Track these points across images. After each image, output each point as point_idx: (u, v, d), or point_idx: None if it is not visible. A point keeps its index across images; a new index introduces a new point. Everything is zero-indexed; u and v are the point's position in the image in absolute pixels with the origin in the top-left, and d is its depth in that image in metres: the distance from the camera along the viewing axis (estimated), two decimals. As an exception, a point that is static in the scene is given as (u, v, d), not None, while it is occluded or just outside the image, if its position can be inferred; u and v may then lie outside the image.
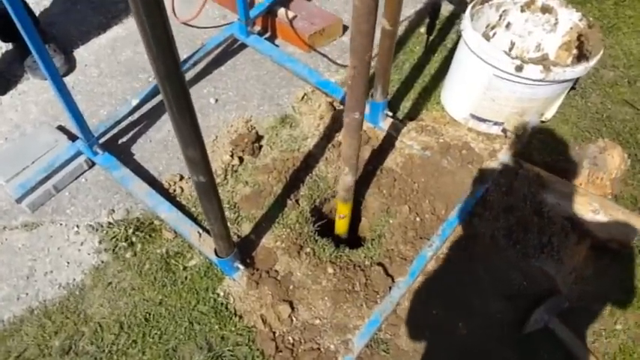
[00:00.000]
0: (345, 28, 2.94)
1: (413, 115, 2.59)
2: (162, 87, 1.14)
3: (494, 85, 2.28)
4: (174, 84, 1.12)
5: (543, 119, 2.54)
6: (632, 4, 3.23)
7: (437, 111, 2.60)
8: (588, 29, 2.37)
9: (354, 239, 2.30)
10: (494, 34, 2.59)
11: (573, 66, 2.16)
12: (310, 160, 2.34)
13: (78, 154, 2.23)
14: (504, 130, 2.41)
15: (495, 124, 2.47)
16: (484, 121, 2.48)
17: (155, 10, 0.94)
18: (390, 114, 2.36)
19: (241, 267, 1.93)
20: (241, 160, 2.34)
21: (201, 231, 2.04)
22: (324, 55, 2.80)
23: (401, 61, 2.82)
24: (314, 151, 2.37)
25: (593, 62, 2.19)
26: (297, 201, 2.21)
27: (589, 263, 2.19)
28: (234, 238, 2.08)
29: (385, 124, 2.37)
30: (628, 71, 2.91)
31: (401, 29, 2.98)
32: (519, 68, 2.14)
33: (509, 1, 2.45)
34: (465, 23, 2.27)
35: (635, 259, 2.21)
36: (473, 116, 2.49)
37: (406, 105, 2.62)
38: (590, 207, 2.13)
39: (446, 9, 3.10)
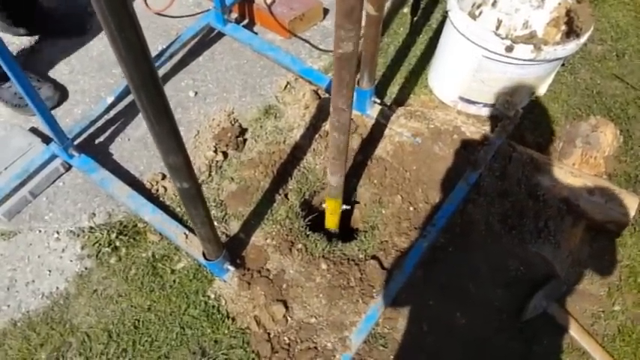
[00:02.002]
0: (326, 11, 2.84)
1: (401, 100, 2.51)
2: (137, 94, 1.05)
3: (483, 67, 2.21)
4: (149, 91, 1.03)
5: (534, 98, 2.48)
6: (617, -25, 3.16)
7: (425, 95, 2.53)
8: (577, 4, 2.30)
9: (347, 231, 2.23)
10: (480, 12, 2.51)
11: (564, 44, 2.09)
12: (297, 152, 2.27)
13: (53, 157, 2.12)
14: (495, 112, 2.34)
15: (485, 105, 2.41)
16: (474, 103, 2.41)
17: (122, 10, 0.85)
18: (378, 101, 2.28)
19: (231, 268, 1.86)
20: (225, 155, 2.26)
21: (187, 232, 1.96)
22: (306, 41, 2.70)
23: (386, 44, 2.73)
24: (301, 142, 2.29)
25: (584, 38, 2.13)
26: (285, 195, 2.13)
27: (585, 245, 2.16)
28: (223, 238, 2.00)
29: (373, 111, 2.29)
30: (616, 44, 2.86)
31: (384, 11, 2.88)
32: (510, 49, 2.07)
33: (495, -22, 2.36)
34: (452, 3, 2.19)
35: (631, 239, 2.17)
36: (462, 99, 2.42)
37: (393, 90, 2.54)
38: (586, 188, 2.08)
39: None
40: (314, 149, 2.27)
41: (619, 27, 2.94)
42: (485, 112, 2.43)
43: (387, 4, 2.92)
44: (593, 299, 2.07)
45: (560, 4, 2.37)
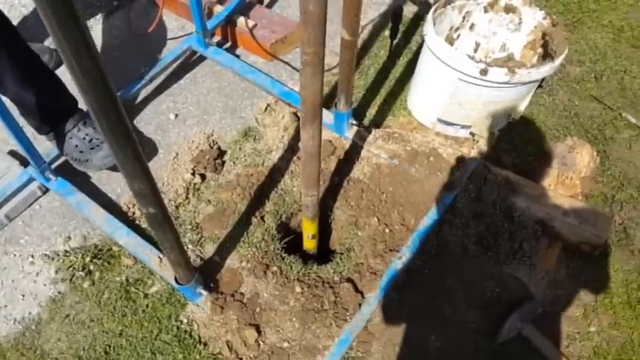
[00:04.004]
0: (308, 34, 2.87)
1: (379, 121, 2.53)
2: (99, 122, 1.06)
3: (459, 90, 2.24)
4: (110, 119, 1.04)
5: (511, 120, 2.50)
6: (595, -3, 3.21)
7: (404, 116, 2.55)
8: (552, 27, 2.34)
9: (325, 252, 2.23)
10: (458, 35, 2.55)
11: (538, 67, 2.12)
12: (275, 174, 2.27)
13: (30, 180, 2.13)
14: (472, 134, 2.36)
15: (463, 127, 2.43)
16: (451, 125, 2.43)
17: (80, 41, 0.86)
18: (355, 123, 2.29)
19: (204, 292, 1.85)
20: (204, 177, 2.26)
21: (161, 256, 1.96)
22: (287, 64, 2.73)
23: (366, 66, 2.76)
24: (279, 164, 2.30)
25: (558, 61, 2.16)
26: (262, 218, 2.14)
27: (561, 266, 2.16)
28: (197, 261, 2.00)
29: (351, 133, 2.31)
30: (594, 66, 2.89)
31: (365, 33, 2.92)
32: (484, 72, 2.10)
33: (471, 2, 2.40)
34: (428, 28, 2.22)
35: (607, 259, 2.18)
36: (440, 120, 2.44)
37: (372, 111, 2.56)
38: (561, 209, 2.09)
39: (409, 10, 3.05)
40: (292, 171, 2.28)
41: (597, 49, 2.97)
42: (463, 133, 2.45)
43: (369, 27, 2.96)
44: (569, 320, 2.06)
45: (536, 27, 2.40)
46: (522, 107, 2.46)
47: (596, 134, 2.60)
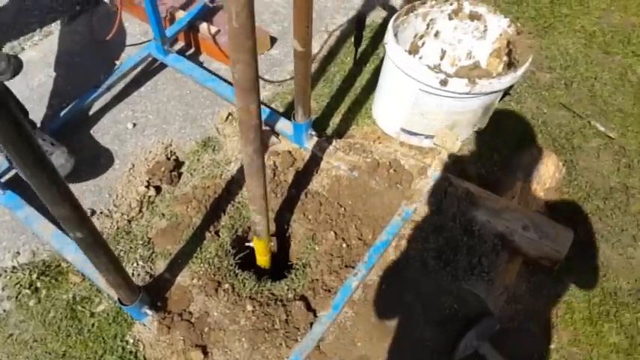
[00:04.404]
0: (273, 40, 2.82)
1: (343, 130, 2.48)
2: (6, 148, 1.00)
3: (421, 100, 2.19)
4: (16, 144, 0.98)
5: (477, 129, 2.45)
6: (567, 2, 3.17)
7: (368, 125, 2.50)
8: (516, 36, 2.29)
9: (285, 265, 2.18)
10: (423, 43, 2.50)
11: (500, 77, 2.08)
12: (233, 187, 2.22)
13: (-21, 194, 2.06)
14: (436, 145, 2.32)
15: (427, 137, 2.38)
16: (415, 134, 2.39)
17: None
18: (314, 133, 2.24)
19: (149, 312, 1.80)
20: (159, 190, 2.21)
21: (111, 272, 1.89)
22: (251, 71, 2.66)
23: (332, 73, 2.71)
24: (237, 176, 2.25)
25: (520, 71, 2.11)
26: (217, 232, 2.08)
27: (522, 281, 2.12)
28: (147, 278, 1.95)
29: (310, 144, 2.26)
30: (565, 72, 2.85)
31: (332, 39, 2.87)
32: (444, 82, 2.05)
33: (435, 9, 2.35)
34: (388, 37, 2.17)
35: (569, 273, 2.14)
36: (404, 130, 2.39)
37: (336, 120, 2.51)
38: (521, 223, 2.05)
39: (378, 16, 2.99)
40: (250, 183, 2.22)
41: (568, 55, 2.93)
42: (427, 143, 2.41)
43: (336, 33, 2.91)
44: (528, 337, 2.02)
45: (501, 35, 2.36)
46: (487, 117, 2.41)
47: (564, 143, 2.56)
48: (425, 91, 2.14)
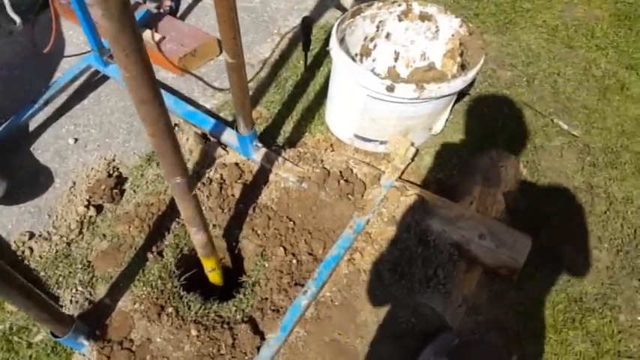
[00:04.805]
0: (222, 46, 2.70)
1: (295, 138, 2.38)
2: None
3: (370, 106, 2.10)
4: None
5: (434, 132, 2.37)
6: (529, -4, 3.09)
7: (321, 132, 2.40)
8: (468, 36, 2.20)
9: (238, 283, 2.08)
10: (374, 45, 2.40)
11: (449, 81, 1.99)
12: (178, 203, 2.10)
13: None
14: (389, 152, 2.22)
15: (382, 143, 2.29)
16: (369, 140, 2.29)
17: None
18: (260, 145, 2.13)
19: (85, 342, 1.69)
20: (100, 209, 2.10)
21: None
22: (199, 78, 2.56)
23: (283, 78, 2.60)
24: (182, 191, 2.13)
25: (471, 74, 2.03)
26: (160, 253, 1.98)
27: (483, 290, 2.04)
28: (85, 305, 1.84)
29: (258, 155, 2.15)
30: (527, 69, 2.77)
31: (284, 43, 2.76)
32: (390, 88, 1.96)
33: (383, 11, 2.26)
34: (333, 42, 2.07)
35: (532, 279, 2.06)
36: (357, 137, 2.30)
37: (287, 128, 2.41)
38: (477, 231, 1.96)
39: (333, 16, 2.89)
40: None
41: (530, 50, 2.85)
42: (382, 149, 2.31)
43: (289, 35, 2.81)
44: (490, 349, 1.93)
45: (453, 35, 2.27)
46: (444, 118, 2.33)
47: (526, 143, 2.48)
48: (373, 97, 2.05)
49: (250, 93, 2.51)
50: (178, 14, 2.85)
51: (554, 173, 2.40)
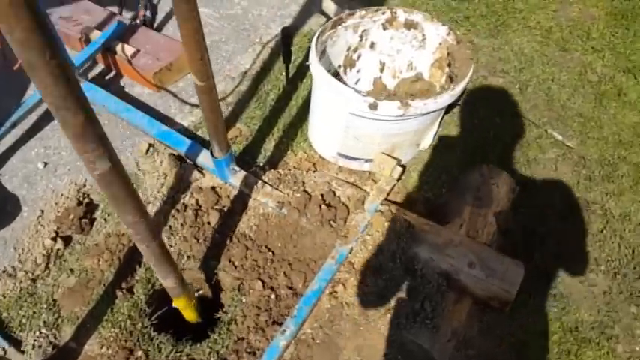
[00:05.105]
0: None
1: (276, 157, 2.26)
2: None
3: (353, 124, 1.97)
4: None
5: (422, 148, 2.24)
6: (522, -4, 2.95)
7: (304, 151, 2.28)
8: (456, 45, 2.07)
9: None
10: (359, 56, 2.27)
11: (436, 97, 1.86)
12: (151, 232, 1.99)
13: None
14: (374, 173, 2.10)
15: (367, 161, 2.17)
16: (354, 159, 2.17)
17: None
18: (237, 169, 2.01)
19: (47, 396, 1.58)
20: (68, 240, 1.98)
21: (7, 346, 1.68)
22: (175, 95, 2.43)
23: (265, 92, 2.47)
24: (156, 219, 2.02)
25: (459, 88, 1.90)
26: (130, 289, 1.86)
27: (473, 321, 1.93)
28: (49, 350, 1.73)
29: (235, 179, 2.03)
30: (519, 75, 2.64)
31: (266, 52, 2.62)
32: (374, 106, 1.83)
33: (367, 20, 2.12)
34: (312, 57, 1.94)
35: (525, 307, 1.95)
36: (341, 155, 2.18)
37: (268, 147, 2.28)
38: (466, 259, 1.85)
39: (317, 23, 2.75)
40: (170, 227, 2.01)
41: (523, 55, 2.72)
42: (368, 167, 2.19)
43: (271, 44, 2.67)
44: (481, 386, 1.84)
45: (441, 44, 2.14)
46: (432, 133, 2.21)
47: (519, 157, 2.36)
48: (356, 114, 1.92)
49: (230, 108, 2.39)
50: (155, 24, 2.71)
51: (548, 189, 2.28)
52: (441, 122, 2.22)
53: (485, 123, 2.44)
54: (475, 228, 2.05)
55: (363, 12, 2.08)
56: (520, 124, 2.46)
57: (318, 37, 1.97)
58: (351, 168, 2.22)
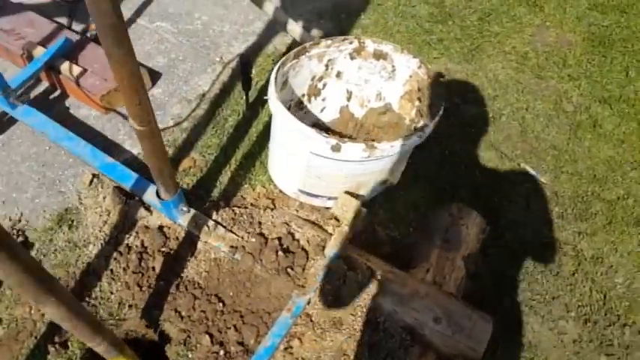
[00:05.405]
0: (156, 76, 2.39)
1: (233, 191, 2.10)
2: None
3: (314, 163, 1.83)
4: None
5: (388, 184, 2.11)
6: (497, 18, 2.83)
7: (263, 185, 2.12)
8: (427, 80, 1.93)
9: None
10: (324, 85, 2.12)
11: (404, 139, 1.73)
12: (90, 278, 1.83)
13: None
14: (335, 217, 1.96)
15: (330, 199, 2.03)
16: (316, 196, 2.02)
17: None
18: (185, 209, 1.85)
19: None
20: (-2, 285, 1.79)
21: None
22: (125, 118, 2.24)
23: (223, 117, 2.31)
24: (96, 263, 1.85)
25: (429, 129, 1.77)
26: (63, 343, 1.69)
27: (438, 377, 1.80)
28: (-33, 417, 1.54)
29: (185, 219, 1.87)
30: (493, 103, 2.53)
31: (226, 73, 2.46)
32: (336, 148, 1.69)
33: (332, 49, 1.97)
34: (271, 91, 1.78)
35: (492, 359, 1.84)
36: (302, 192, 2.03)
37: (224, 179, 2.12)
38: (432, 314, 1.73)
39: (283, 42, 2.59)
40: (111, 271, 1.84)
41: (497, 82, 2.61)
42: (331, 204, 2.05)
43: (232, 65, 2.50)
44: None
45: (411, 76, 2.01)
46: (400, 170, 2.07)
47: (490, 192, 2.24)
48: (317, 154, 1.77)
49: (184, 135, 2.22)
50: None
51: (519, 227, 2.18)
52: (410, 156, 2.09)
53: (457, 155, 2.32)
54: (442, 274, 1.93)
55: (329, 41, 1.94)
56: (492, 157, 2.35)
57: (278, 69, 1.81)
58: (313, 204, 2.08)
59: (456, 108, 2.47)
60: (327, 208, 2.06)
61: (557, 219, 2.21)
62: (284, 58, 1.87)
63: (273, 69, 1.81)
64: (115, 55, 1.15)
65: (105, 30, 1.07)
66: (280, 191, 2.11)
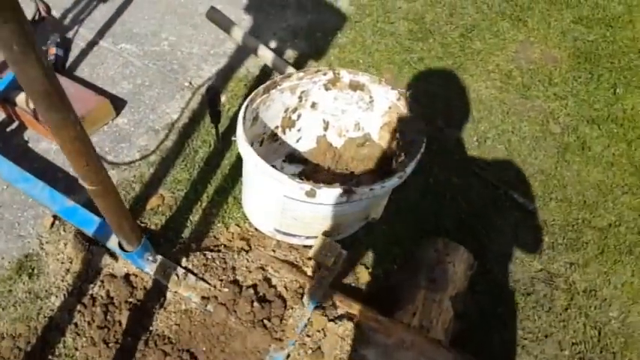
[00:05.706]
0: (120, 105, 2.25)
1: (205, 232, 1.97)
2: None
3: (289, 206, 1.71)
4: None
5: (370, 219, 1.99)
6: (480, 34, 2.73)
7: (237, 223, 2.00)
8: (407, 113, 1.82)
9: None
10: (298, 115, 2.01)
11: (383, 181, 1.62)
12: (52, 333, 1.70)
13: None
14: (311, 259, 1.84)
15: (308, 237, 1.91)
16: (293, 236, 1.90)
17: None
18: (152, 258, 1.71)
19: None
20: (-51, 346, 1.64)
21: None
22: (89, 153, 2.09)
23: (193, 149, 2.17)
24: (59, 316, 1.72)
25: (410, 168, 1.66)
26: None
27: None
28: None
29: (152, 268, 1.74)
30: (477, 126, 2.43)
31: (196, 99, 2.32)
32: (311, 194, 1.57)
33: (305, 81, 1.85)
34: (239, 132, 1.65)
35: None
36: (279, 231, 1.90)
37: (195, 218, 1.99)
38: (419, 366, 1.62)
39: (256, 65, 2.46)
40: (76, 325, 1.71)
41: (482, 103, 2.50)
42: (310, 242, 1.93)
43: (202, 90, 2.36)
44: None
45: (390, 108, 1.89)
46: (382, 206, 1.96)
47: (476, 223, 2.14)
48: (292, 198, 1.65)
49: (152, 170, 2.09)
50: (68, 63, 2.36)
51: (508, 260, 2.08)
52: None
53: (441, 184, 2.21)
54: (429, 317, 1.82)
55: (301, 73, 1.81)
56: (478, 184, 2.25)
57: (247, 106, 1.69)
58: (292, 243, 1.96)
59: (439, 132, 2.37)
60: (306, 246, 1.94)
61: (547, 249, 2.12)
62: (253, 94, 1.75)
63: (241, 105, 1.69)
64: (53, 121, 1.02)
65: (37, 97, 0.93)
66: (256, 229, 1.99)
